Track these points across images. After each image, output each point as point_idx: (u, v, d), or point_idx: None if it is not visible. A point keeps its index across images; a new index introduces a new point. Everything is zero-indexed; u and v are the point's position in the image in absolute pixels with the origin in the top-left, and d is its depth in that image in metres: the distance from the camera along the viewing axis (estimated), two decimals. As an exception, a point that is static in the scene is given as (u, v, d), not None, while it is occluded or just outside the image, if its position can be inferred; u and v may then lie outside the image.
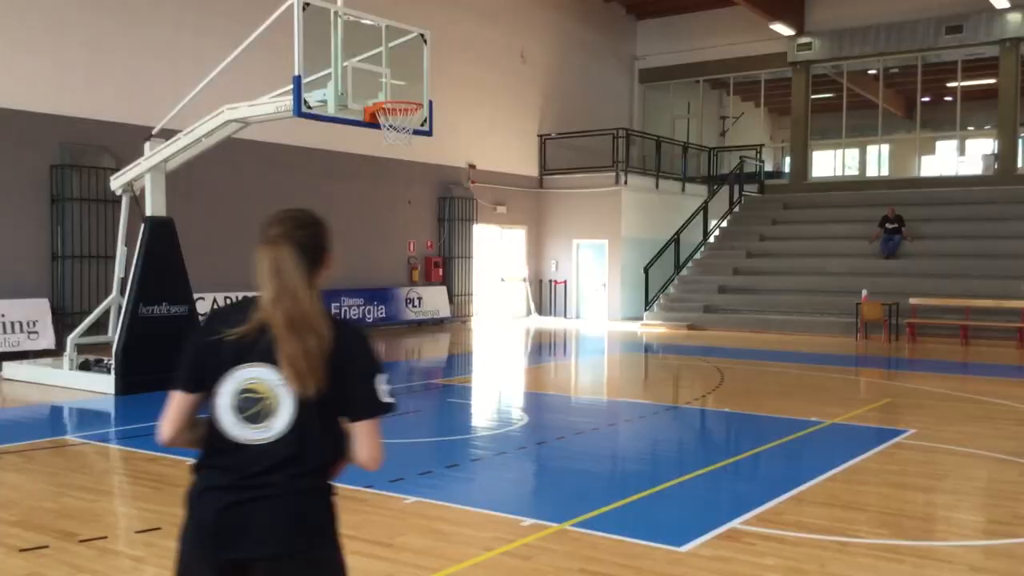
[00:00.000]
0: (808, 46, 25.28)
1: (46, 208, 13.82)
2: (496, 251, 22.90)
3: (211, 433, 2.36)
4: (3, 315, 12.91)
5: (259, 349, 2.31)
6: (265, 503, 2.29)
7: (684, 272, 22.92)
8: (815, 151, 27.47)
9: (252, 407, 2.31)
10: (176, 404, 2.40)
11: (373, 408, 2.37)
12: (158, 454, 7.08)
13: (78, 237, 13.82)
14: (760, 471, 7.28)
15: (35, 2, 13.64)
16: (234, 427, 2.32)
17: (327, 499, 2.42)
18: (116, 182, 11.65)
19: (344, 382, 2.33)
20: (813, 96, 26.33)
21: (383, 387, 2.37)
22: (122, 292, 11.22)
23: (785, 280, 21.12)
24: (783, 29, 24.76)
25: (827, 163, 29.52)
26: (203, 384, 2.36)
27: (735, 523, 5.46)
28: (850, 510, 5.88)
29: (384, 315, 19.19)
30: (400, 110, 10.01)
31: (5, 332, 12.91)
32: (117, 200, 11.99)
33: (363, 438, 2.37)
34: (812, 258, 21.59)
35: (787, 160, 28.00)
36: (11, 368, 11.66)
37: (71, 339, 11.30)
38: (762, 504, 5.89)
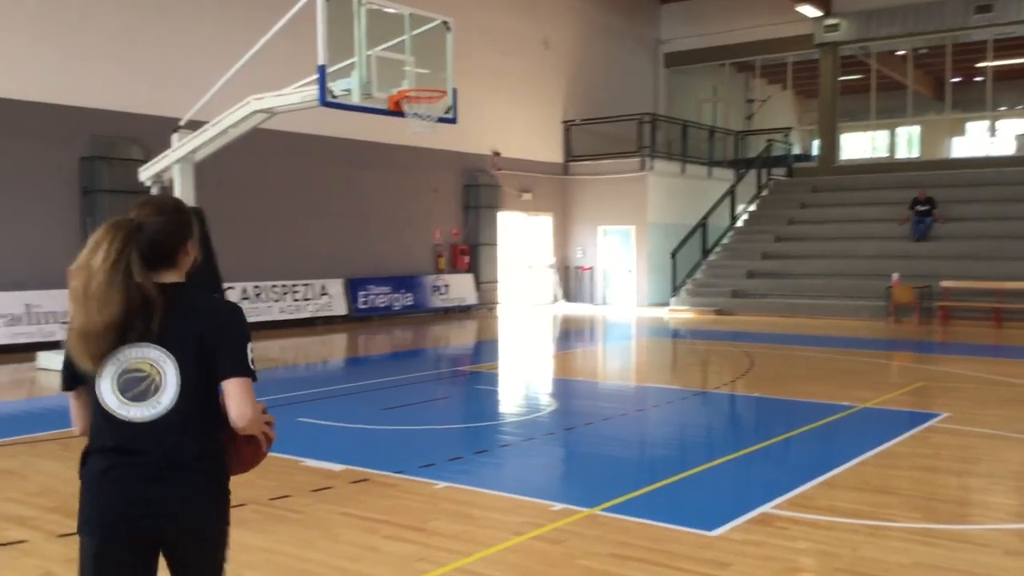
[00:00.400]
0: (835, 27, 24.97)
1: (76, 199, 13.98)
2: (522, 238, 22.89)
3: (97, 416, 2.48)
4: (37, 305, 13.10)
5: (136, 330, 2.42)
6: (165, 481, 2.41)
7: (711, 257, 22.79)
8: (844, 133, 27.16)
9: (137, 386, 2.43)
10: (71, 404, 2.62)
11: (240, 369, 2.46)
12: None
13: (109, 228, 13.95)
14: (791, 456, 7.25)
15: (65, 2, 13.78)
16: (120, 407, 2.44)
17: (220, 474, 2.54)
18: (145, 174, 11.76)
19: (216, 352, 2.46)
20: (841, 78, 26.02)
21: (251, 356, 2.50)
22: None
23: (815, 264, 20.95)
24: (809, 11, 24.46)
25: (856, 145, 29.21)
26: (77, 379, 2.52)
27: (766, 507, 5.44)
28: (883, 494, 5.84)
29: (411, 303, 19.26)
30: (424, 98, 10.02)
31: (39, 322, 13.10)
32: (146, 191, 12.09)
33: (232, 397, 2.45)
34: (842, 241, 21.39)
35: (815, 143, 27.72)
36: (45, 357, 11.83)
37: (103, 329, 11.42)
38: (793, 488, 5.86)
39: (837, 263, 20.66)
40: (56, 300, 13.34)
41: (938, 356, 13.81)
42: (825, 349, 13.89)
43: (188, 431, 2.44)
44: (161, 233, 2.50)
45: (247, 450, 2.60)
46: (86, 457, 2.50)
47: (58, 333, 13.27)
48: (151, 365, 2.44)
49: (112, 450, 2.43)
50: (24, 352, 12.53)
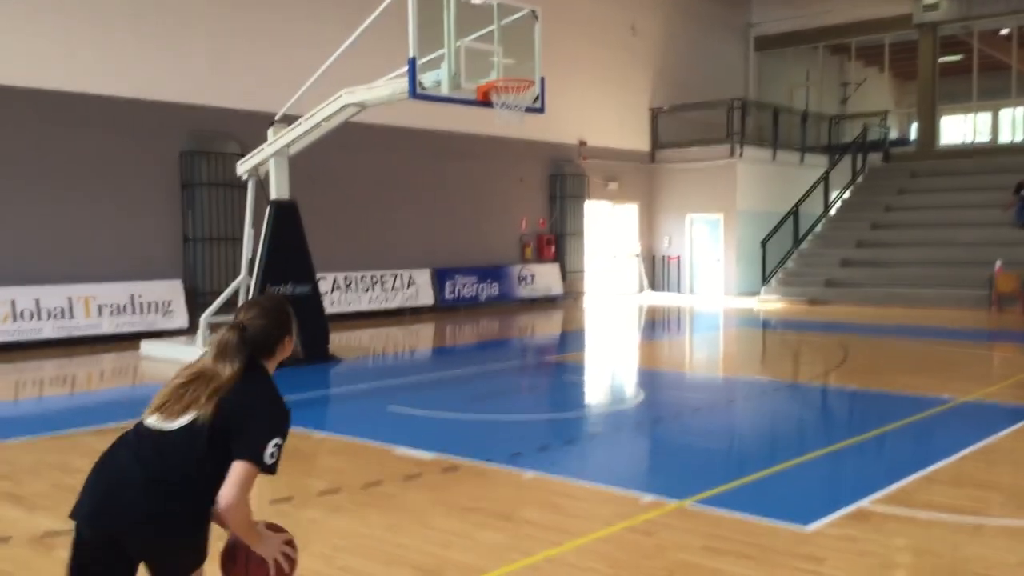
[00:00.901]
0: (935, 7, 24.08)
1: (176, 193, 14.47)
2: (608, 227, 22.77)
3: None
4: (140, 296, 13.63)
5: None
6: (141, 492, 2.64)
7: (803, 246, 22.29)
8: (943, 116, 26.20)
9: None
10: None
11: (249, 454, 2.62)
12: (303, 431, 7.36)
13: (207, 220, 14.42)
14: (887, 450, 7.06)
15: (163, 2, 14.26)
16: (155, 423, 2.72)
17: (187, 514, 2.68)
18: (242, 167, 12.09)
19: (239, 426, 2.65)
20: (941, 59, 25.10)
21: (270, 449, 2.63)
22: (250, 272, 11.67)
23: (913, 252, 20.30)
24: (908, -11, 23.64)
25: (957, 129, 28.13)
26: None
27: (863, 503, 5.32)
28: (985, 490, 5.65)
29: (497, 293, 19.37)
30: (513, 88, 10.04)
31: (141, 312, 13.63)
32: (243, 185, 12.45)
33: (229, 476, 2.60)
34: (942, 228, 20.67)
35: (913, 127, 26.81)
36: (148, 346, 12.30)
37: (203, 318, 11.84)
38: (891, 484, 5.71)
39: (936, 251, 19.98)
40: (158, 291, 13.85)
41: (1045, 348, 13.25)
42: (923, 340, 13.46)
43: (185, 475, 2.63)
44: (262, 334, 2.82)
45: (258, 571, 2.69)
46: None
47: (159, 322, 13.78)
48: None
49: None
50: (128, 340, 13.05)
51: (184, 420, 2.65)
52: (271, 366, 2.86)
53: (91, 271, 13.31)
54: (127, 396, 9.49)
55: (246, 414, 2.66)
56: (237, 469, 2.60)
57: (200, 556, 2.73)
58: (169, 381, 2.76)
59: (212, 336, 2.90)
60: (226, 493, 2.58)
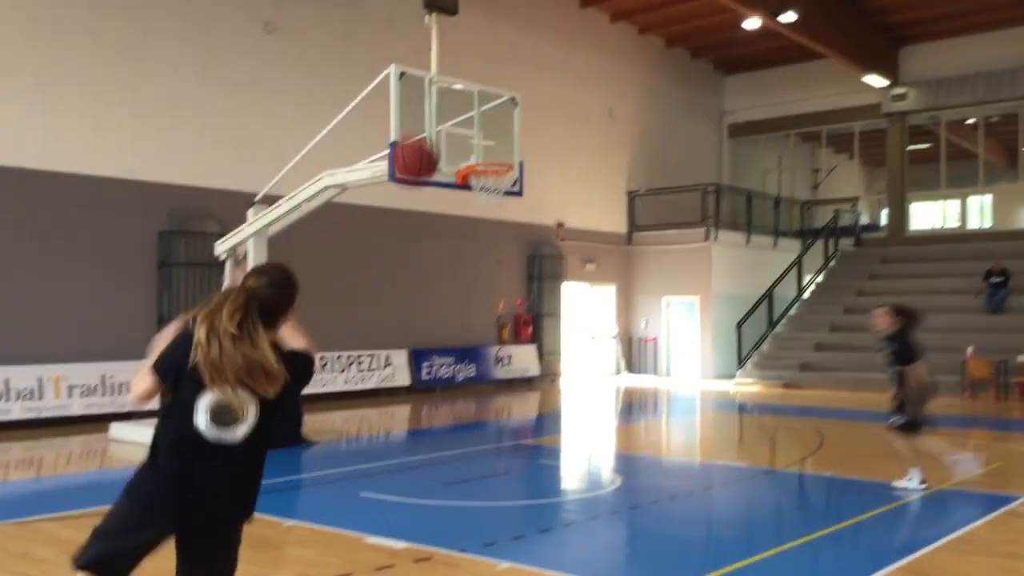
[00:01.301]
0: (903, 96, 24.80)
1: (153, 273, 14.42)
2: (585, 309, 22.86)
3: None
4: (111, 376, 13.44)
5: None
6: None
7: (778, 329, 22.45)
8: (913, 203, 26.74)
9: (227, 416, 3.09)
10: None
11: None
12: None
13: (184, 300, 14.31)
14: (865, 540, 7.00)
15: (147, 80, 14.42)
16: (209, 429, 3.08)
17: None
18: (221, 247, 12.09)
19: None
20: (909, 147, 25.74)
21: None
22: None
23: (885, 336, 20.44)
24: (876, 80, 24.37)
25: (926, 215, 28.70)
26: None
27: (840, 596, 5.25)
28: (963, 584, 5.60)
29: (474, 374, 19.28)
30: (492, 172, 10.18)
31: (113, 393, 13.42)
32: (221, 264, 12.43)
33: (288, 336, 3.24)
34: (913, 313, 20.87)
35: (884, 212, 27.34)
36: (118, 428, 12.07)
37: (175, 399, 11.64)
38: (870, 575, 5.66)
39: (909, 335, 20.14)
40: (130, 371, 13.66)
41: (1017, 434, 13.31)
42: (898, 425, 13.47)
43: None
44: (270, 302, 3.13)
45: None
46: None
47: (131, 404, 13.55)
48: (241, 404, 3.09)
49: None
50: (97, 423, 12.81)
51: None
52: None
53: (62, 351, 13.15)
54: (94, 481, 9.29)
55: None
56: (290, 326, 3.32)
57: None
58: None
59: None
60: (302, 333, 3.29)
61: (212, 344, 2.96)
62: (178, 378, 3.08)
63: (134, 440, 11.66)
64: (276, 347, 3.11)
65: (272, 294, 3.12)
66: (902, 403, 8.42)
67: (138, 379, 3.19)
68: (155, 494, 3.10)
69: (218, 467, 3.08)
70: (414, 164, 8.93)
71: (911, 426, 8.43)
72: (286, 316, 3.16)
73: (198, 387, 3.06)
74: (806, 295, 23.60)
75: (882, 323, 8.58)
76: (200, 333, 3.00)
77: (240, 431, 3.08)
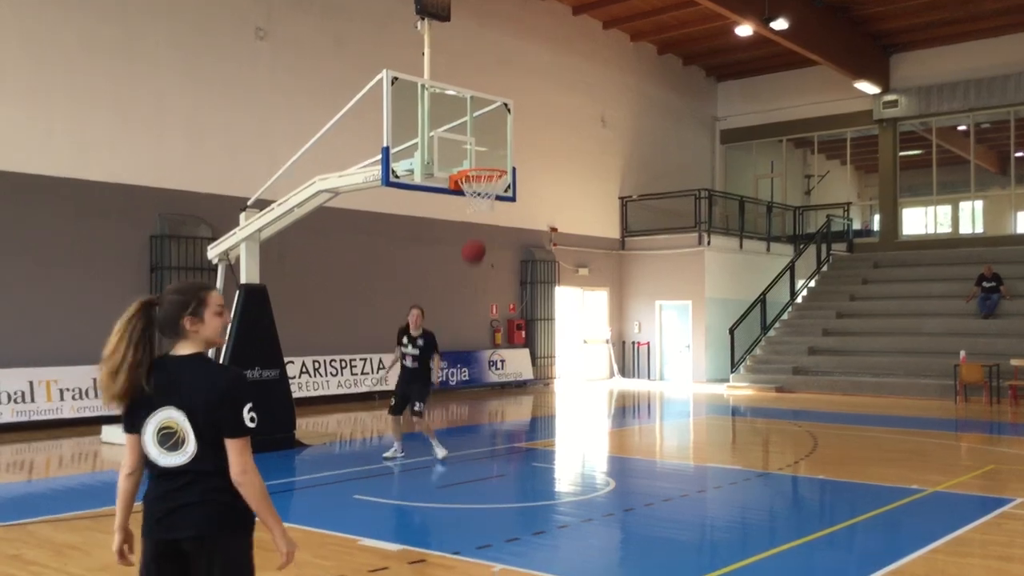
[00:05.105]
0: (894, 103, 24.92)
1: (145, 276, 14.39)
2: (578, 313, 22.87)
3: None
4: (104, 379, 13.38)
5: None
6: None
7: (771, 333, 22.49)
8: (905, 208, 26.86)
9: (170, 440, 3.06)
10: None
11: (237, 430, 2.98)
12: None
13: (175, 304, 14.29)
14: (859, 542, 7.01)
15: (139, 85, 14.41)
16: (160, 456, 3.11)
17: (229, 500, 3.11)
18: (213, 251, 12.07)
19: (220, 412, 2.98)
20: (901, 153, 25.85)
21: (247, 415, 2.98)
22: (217, 357, 11.54)
23: (878, 341, 20.53)
24: (868, 87, 24.49)
25: (918, 221, 28.80)
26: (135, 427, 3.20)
27: (834, 597, 5.25)
28: (956, 585, 5.61)
29: (467, 378, 19.27)
30: (484, 177, 10.17)
31: (105, 396, 13.37)
32: (213, 268, 12.41)
33: (232, 455, 3.00)
34: (906, 318, 20.97)
35: (876, 218, 27.43)
36: (109, 431, 12.04)
37: (168, 403, 11.61)
38: (862, 578, 5.67)
39: (901, 340, 20.23)
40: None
41: (1010, 438, 13.34)
42: (891, 429, 13.52)
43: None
44: (161, 311, 3.18)
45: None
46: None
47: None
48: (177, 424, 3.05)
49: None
50: (89, 426, 12.77)
51: None
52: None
53: (54, 354, 13.11)
54: (85, 483, 9.25)
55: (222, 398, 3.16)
56: (236, 445, 3.05)
57: None
58: None
59: None
60: (239, 469, 3.02)
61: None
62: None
63: (125, 443, 11.60)
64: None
65: (164, 303, 3.27)
66: None
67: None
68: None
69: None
70: (472, 255, 11.24)
71: None
72: (182, 324, 3.18)
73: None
74: (799, 300, 23.65)
75: None
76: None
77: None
